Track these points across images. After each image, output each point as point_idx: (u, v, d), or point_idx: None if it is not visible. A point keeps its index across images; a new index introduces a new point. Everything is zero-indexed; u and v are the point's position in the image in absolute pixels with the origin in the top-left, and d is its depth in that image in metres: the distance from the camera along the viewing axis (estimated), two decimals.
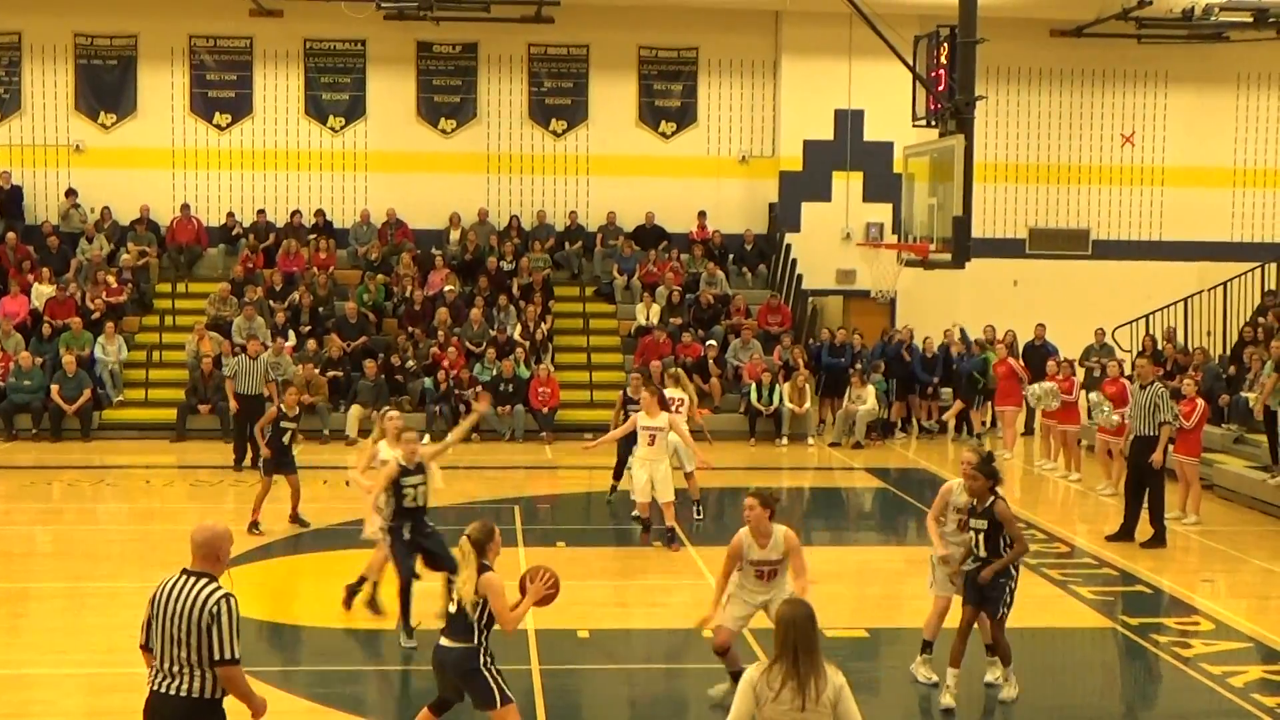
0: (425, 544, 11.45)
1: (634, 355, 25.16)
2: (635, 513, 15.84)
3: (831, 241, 28.05)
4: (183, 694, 6.60)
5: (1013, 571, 10.03)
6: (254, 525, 15.38)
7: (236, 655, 6.61)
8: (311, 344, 24.42)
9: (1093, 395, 19.56)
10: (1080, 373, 22.86)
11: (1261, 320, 23.59)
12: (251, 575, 13.54)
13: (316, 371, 23.63)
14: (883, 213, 27.52)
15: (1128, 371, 20.23)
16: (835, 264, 28.04)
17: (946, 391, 25.18)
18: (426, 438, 22.99)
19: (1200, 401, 16.83)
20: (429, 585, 11.51)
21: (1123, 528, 15.99)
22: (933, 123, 20.30)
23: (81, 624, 12.12)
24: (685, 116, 28.70)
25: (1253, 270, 26.13)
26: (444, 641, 8.27)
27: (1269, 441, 18.40)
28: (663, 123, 28.70)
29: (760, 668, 6.27)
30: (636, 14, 27.90)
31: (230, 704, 6.78)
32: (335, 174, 28.22)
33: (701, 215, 28.33)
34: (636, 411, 15.88)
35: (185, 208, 27.41)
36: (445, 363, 24.02)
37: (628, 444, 16.37)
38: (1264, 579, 14.70)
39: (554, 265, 27.64)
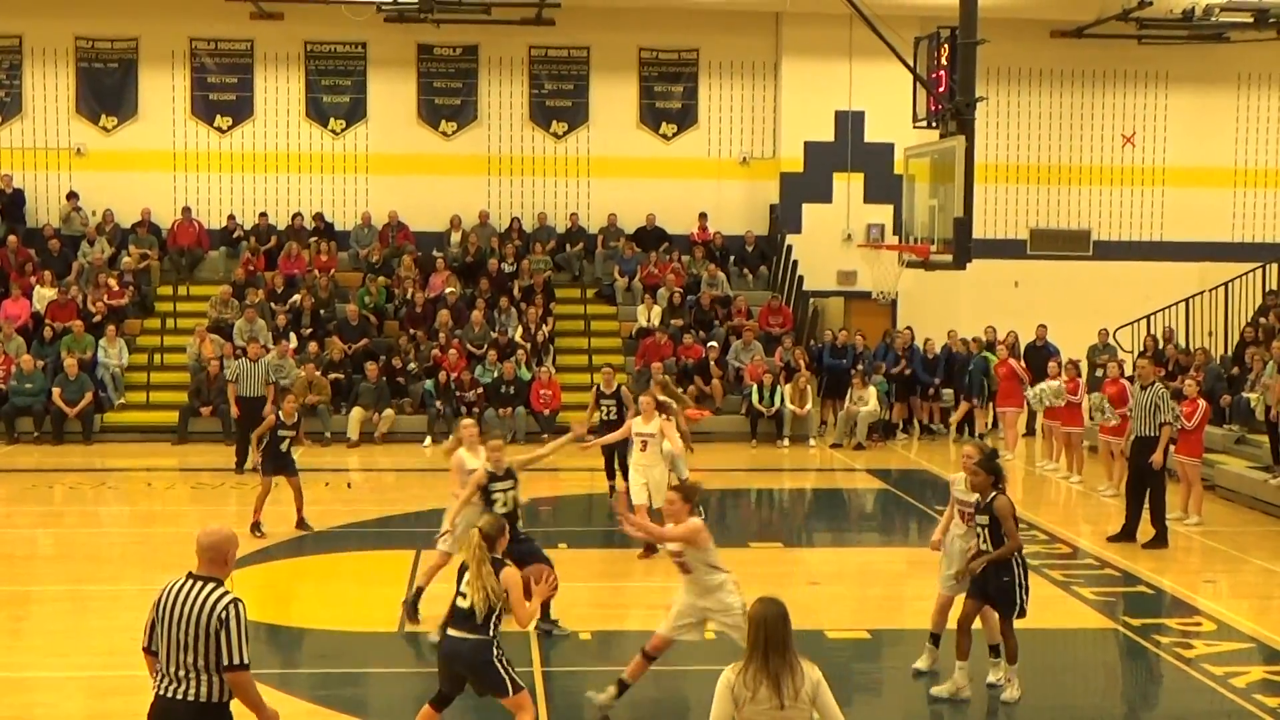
0: (519, 549, 11.17)
1: (635, 357, 25.18)
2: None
3: (832, 243, 28.04)
4: (190, 699, 6.57)
5: (1017, 570, 10.03)
6: (256, 526, 15.40)
7: (246, 660, 6.59)
8: (313, 346, 24.42)
9: (1093, 396, 19.57)
10: (1085, 372, 22.84)
11: (1263, 320, 23.58)
12: (253, 577, 13.53)
13: (318, 373, 23.64)
14: (884, 214, 27.50)
15: (1129, 372, 20.22)
16: (836, 265, 28.03)
17: (948, 393, 25.18)
18: (428, 439, 23.22)
19: (1202, 402, 16.82)
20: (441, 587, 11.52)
21: (1124, 528, 15.98)
22: (933, 124, 20.29)
23: (83, 627, 12.12)
24: (686, 118, 28.71)
25: (1254, 270, 26.11)
26: (454, 633, 8.33)
27: (1270, 442, 18.39)
28: (663, 124, 28.71)
29: (736, 668, 6.26)
30: (637, 15, 27.91)
31: (237, 708, 6.76)
32: (336, 176, 28.23)
33: (702, 217, 28.34)
34: (609, 406, 16.69)
35: (186, 210, 27.43)
36: (446, 365, 24.03)
37: (612, 445, 16.50)
38: (1265, 579, 14.69)
39: (555, 267, 27.64)
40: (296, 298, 25.75)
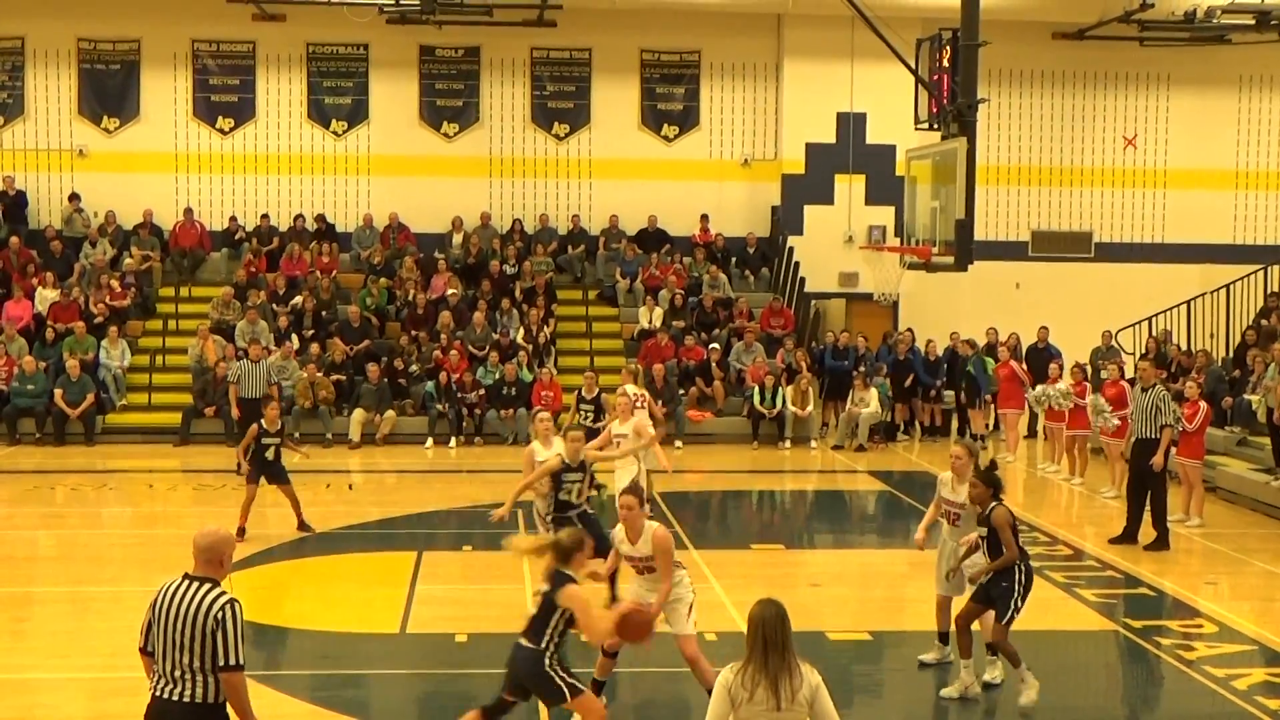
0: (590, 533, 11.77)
1: (637, 358, 25.17)
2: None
3: (834, 244, 28.05)
4: (185, 700, 6.58)
5: (1018, 577, 10.04)
6: (241, 532, 15.11)
7: (241, 661, 6.60)
8: (314, 348, 24.43)
9: (1090, 399, 19.58)
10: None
11: (1264, 322, 23.57)
12: (254, 579, 13.55)
13: (320, 374, 23.65)
14: (885, 216, 27.49)
15: (1129, 374, 20.22)
16: (838, 267, 28.04)
17: (949, 394, 25.18)
18: (429, 441, 23.24)
19: (1203, 404, 16.81)
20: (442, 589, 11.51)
21: (1125, 530, 15.98)
22: (935, 125, 20.30)
23: (84, 628, 12.13)
24: (687, 119, 28.72)
25: (1255, 272, 26.10)
26: (521, 641, 8.37)
27: (1272, 444, 18.39)
28: (665, 126, 28.72)
29: (734, 668, 6.25)
30: (638, 17, 27.91)
31: None
32: (338, 178, 28.24)
33: (704, 218, 28.34)
34: (588, 410, 17.08)
35: (188, 212, 27.45)
36: (448, 366, 24.03)
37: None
38: (1267, 581, 14.69)
39: (556, 269, 27.64)
40: (298, 299, 25.77)
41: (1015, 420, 23.25)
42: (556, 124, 28.53)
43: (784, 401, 24.03)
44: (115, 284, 25.62)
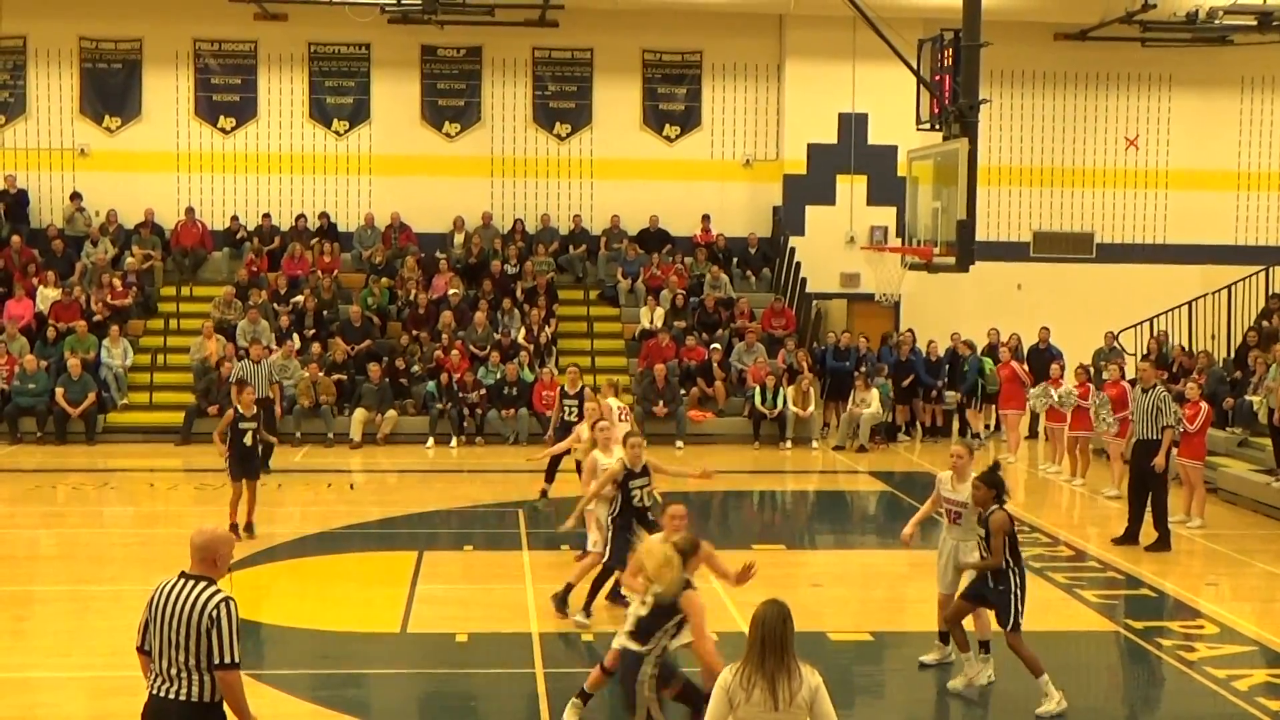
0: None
1: (638, 359, 25.20)
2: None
3: (835, 245, 28.04)
4: (182, 698, 6.59)
5: (1014, 580, 10.04)
6: (234, 529, 15.01)
7: (237, 659, 6.60)
8: (316, 347, 24.43)
9: (1091, 399, 19.57)
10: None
11: (1265, 323, 23.57)
12: (255, 578, 13.55)
13: (322, 374, 23.66)
14: (887, 216, 27.49)
15: (1130, 375, 20.22)
16: (839, 267, 28.04)
17: (951, 395, 25.18)
18: (430, 441, 23.24)
19: (1204, 405, 16.80)
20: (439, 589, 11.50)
21: (1127, 531, 15.98)
22: (937, 126, 20.28)
23: (85, 627, 12.12)
24: (689, 120, 28.72)
25: (1257, 273, 26.10)
26: (629, 645, 8.23)
27: (1273, 445, 18.38)
28: (667, 126, 28.72)
29: (734, 669, 6.22)
30: (640, 17, 27.92)
31: None
32: (339, 177, 28.25)
33: (705, 218, 28.34)
34: (571, 406, 17.20)
35: (190, 211, 27.45)
36: (449, 366, 24.03)
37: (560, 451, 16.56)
38: (1268, 582, 14.68)
39: (558, 269, 27.65)
40: (299, 299, 25.78)
41: (1016, 421, 23.24)
42: (558, 124, 28.53)
43: (785, 402, 24.02)
44: (117, 283, 25.62)
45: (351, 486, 20.16)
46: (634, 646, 8.17)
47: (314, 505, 18.41)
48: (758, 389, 24.13)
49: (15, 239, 26.28)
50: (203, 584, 6.66)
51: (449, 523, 17.27)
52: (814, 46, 27.71)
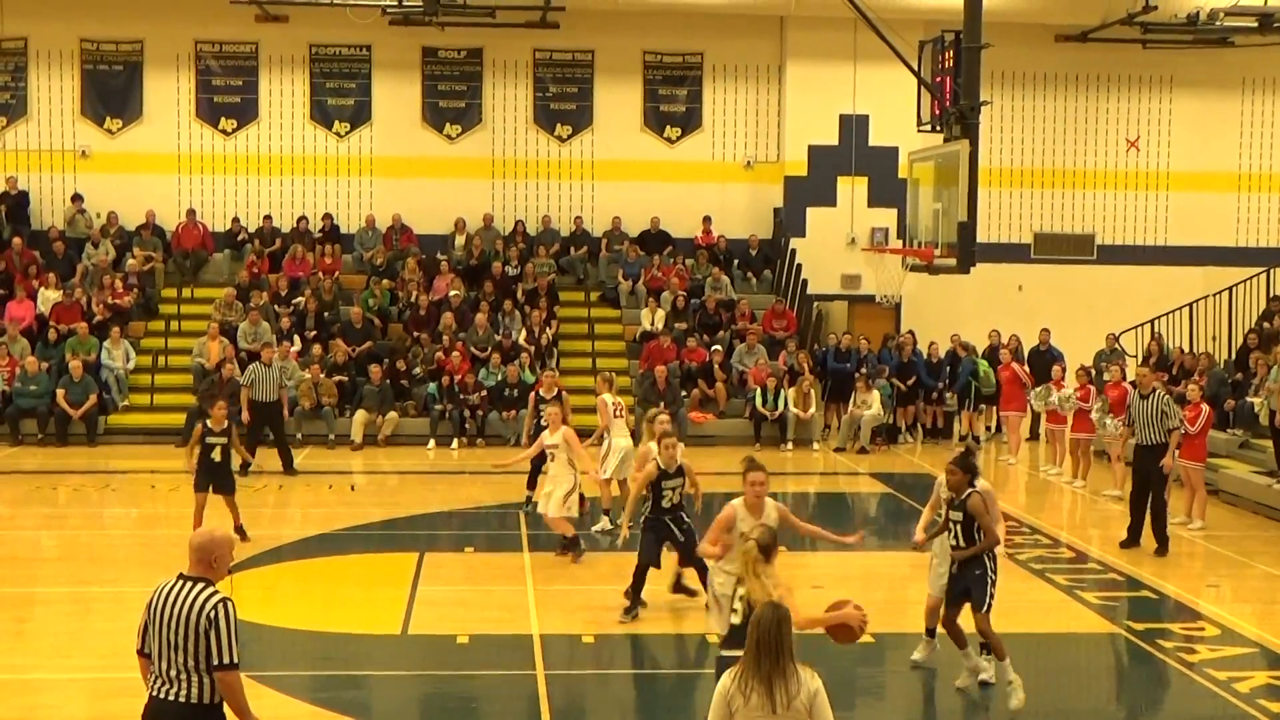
0: (679, 539, 12.38)
1: (639, 360, 25.20)
2: (597, 527, 16.14)
3: (836, 246, 28.04)
4: (182, 700, 6.59)
5: (989, 564, 10.16)
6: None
7: (236, 660, 6.61)
8: (317, 349, 24.42)
9: (1098, 415, 19.55)
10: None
11: (1267, 325, 23.55)
12: (256, 579, 13.56)
13: (323, 375, 23.66)
14: (888, 218, 27.49)
15: (1131, 376, 20.19)
16: (840, 269, 28.04)
17: (952, 396, 25.17)
18: (432, 442, 23.24)
19: (1205, 407, 16.81)
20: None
21: (1130, 534, 15.96)
22: (938, 128, 20.29)
23: (86, 629, 12.13)
24: (690, 121, 28.72)
25: (1258, 275, 26.08)
26: (724, 652, 8.04)
27: (1274, 447, 18.37)
28: (668, 128, 28.72)
29: (732, 674, 6.19)
30: (641, 19, 27.92)
31: None
32: (341, 179, 28.25)
33: (706, 220, 28.33)
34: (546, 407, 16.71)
35: (191, 213, 27.45)
36: (450, 368, 24.03)
37: (540, 457, 16.26)
38: (1269, 584, 14.68)
39: (559, 270, 27.65)
40: (300, 300, 25.78)
41: (1017, 423, 23.24)
42: (559, 125, 28.53)
43: (786, 403, 24.02)
44: (118, 285, 25.63)
45: (353, 488, 20.17)
46: (730, 654, 8.04)
47: (315, 507, 18.41)
48: (759, 391, 24.13)
49: (16, 241, 26.29)
50: (201, 585, 6.67)
51: (450, 524, 17.27)
52: (815, 48, 27.71)
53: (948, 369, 25.25)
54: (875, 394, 23.88)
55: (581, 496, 15.54)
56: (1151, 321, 25.78)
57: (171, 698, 6.60)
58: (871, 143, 27.83)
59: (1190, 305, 26.00)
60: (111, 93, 27.81)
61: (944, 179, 19.63)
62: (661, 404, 23.57)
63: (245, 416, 20.33)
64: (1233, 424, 20.57)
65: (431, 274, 26.82)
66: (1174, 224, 29.38)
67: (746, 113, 28.74)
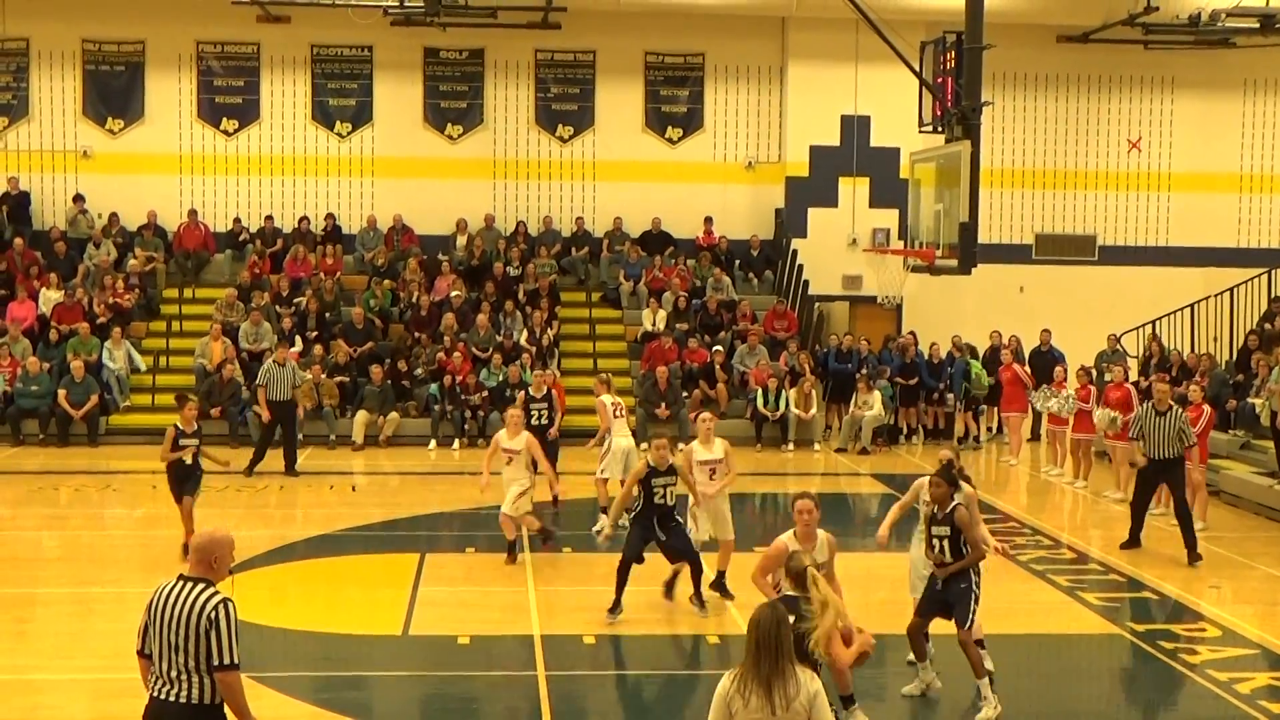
0: (667, 538, 12.53)
1: (640, 361, 25.20)
2: (595, 527, 16.18)
3: (838, 247, 28.03)
4: (183, 700, 6.60)
5: (974, 579, 10.06)
6: (185, 549, 14.65)
7: (236, 660, 6.61)
8: (318, 349, 24.43)
9: (1099, 414, 19.53)
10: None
11: (1268, 326, 23.54)
12: (257, 580, 13.55)
13: (324, 376, 23.67)
14: (889, 218, 27.48)
15: (1133, 377, 20.20)
16: (841, 269, 28.03)
17: (953, 397, 25.16)
18: (433, 443, 23.23)
19: (1207, 408, 16.81)
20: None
21: (1131, 535, 15.95)
22: (939, 128, 20.27)
23: (88, 629, 12.14)
24: (692, 122, 28.71)
25: (1259, 276, 26.05)
26: None
27: (1276, 448, 18.36)
28: (669, 128, 28.71)
29: (731, 676, 6.16)
30: (643, 20, 27.92)
31: None
32: (342, 179, 28.26)
33: (708, 221, 28.33)
34: (539, 410, 17.17)
35: (192, 213, 27.46)
36: (451, 368, 24.03)
37: (554, 451, 16.73)
38: (1270, 585, 14.68)
39: (560, 271, 27.65)
40: (302, 300, 25.79)
41: (1018, 423, 23.24)
42: (560, 126, 28.53)
43: (787, 404, 24.02)
44: (119, 285, 25.63)
45: (354, 488, 20.17)
46: None
47: (316, 507, 18.42)
48: (760, 391, 24.13)
49: (18, 241, 26.30)
50: (200, 586, 6.67)
51: (451, 525, 17.28)
52: (816, 49, 27.70)
53: (948, 370, 25.24)
54: (876, 395, 23.88)
55: (557, 498, 16.08)
56: (1153, 322, 25.76)
57: (172, 698, 6.60)
58: (873, 143, 27.83)
59: (1191, 306, 25.99)
60: (113, 93, 27.82)
61: (945, 180, 19.62)
62: (663, 404, 23.73)
63: (265, 415, 20.32)
64: (1234, 425, 20.56)
65: (433, 274, 26.82)
66: (1175, 225, 29.37)
67: (748, 113, 28.74)
